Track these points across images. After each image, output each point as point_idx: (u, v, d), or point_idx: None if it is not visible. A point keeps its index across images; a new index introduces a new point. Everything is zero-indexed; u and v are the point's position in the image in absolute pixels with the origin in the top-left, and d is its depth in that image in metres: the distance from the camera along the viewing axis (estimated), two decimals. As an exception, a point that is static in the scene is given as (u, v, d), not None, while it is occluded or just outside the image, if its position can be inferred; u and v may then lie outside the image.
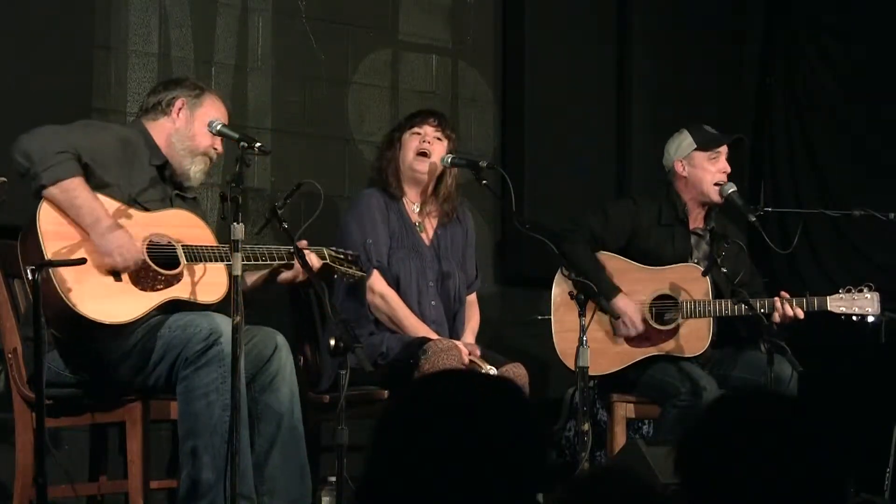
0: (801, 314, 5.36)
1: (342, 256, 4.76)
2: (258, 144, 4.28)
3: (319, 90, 6.03)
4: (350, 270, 4.75)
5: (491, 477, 2.08)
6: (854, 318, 5.46)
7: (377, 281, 5.18)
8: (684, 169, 5.59)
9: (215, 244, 4.47)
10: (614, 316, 5.38)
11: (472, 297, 5.49)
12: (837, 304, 5.45)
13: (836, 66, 7.18)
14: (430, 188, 5.37)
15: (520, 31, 6.64)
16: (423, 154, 5.29)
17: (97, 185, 4.37)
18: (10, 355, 4.51)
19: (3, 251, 4.57)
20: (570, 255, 5.31)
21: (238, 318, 3.99)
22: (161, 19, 5.59)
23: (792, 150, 7.27)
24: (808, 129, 7.23)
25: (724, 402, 2.43)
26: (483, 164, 5.12)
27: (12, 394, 4.49)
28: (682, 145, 5.62)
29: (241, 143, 4.27)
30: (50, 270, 4.17)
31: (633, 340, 5.51)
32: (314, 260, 4.59)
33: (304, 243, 4.63)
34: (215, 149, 4.63)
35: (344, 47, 6.12)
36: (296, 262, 4.50)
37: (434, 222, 5.41)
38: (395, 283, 5.25)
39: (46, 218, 4.29)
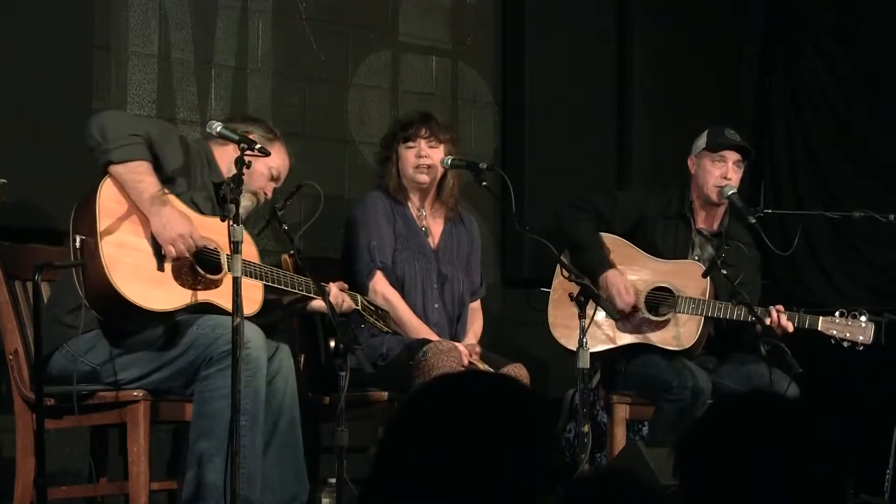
0: (790, 327, 5.33)
1: (373, 308, 4.87)
2: (258, 146, 4.29)
3: (319, 91, 6.04)
4: (378, 324, 4.86)
5: (496, 476, 2.08)
6: (845, 344, 5.38)
7: (380, 282, 5.19)
8: (693, 166, 5.64)
9: (258, 262, 4.53)
10: (614, 318, 5.38)
11: (476, 304, 5.51)
12: (829, 326, 5.39)
13: (836, 66, 7.19)
14: (434, 191, 5.39)
15: (520, 32, 6.64)
16: (421, 166, 5.30)
17: (162, 180, 4.41)
18: (10, 356, 4.51)
19: (4, 252, 4.57)
20: (566, 222, 5.40)
21: (238, 320, 4.00)
22: (161, 20, 5.59)
23: (792, 150, 7.27)
24: (808, 129, 7.23)
25: (724, 403, 2.44)
26: (483, 165, 5.12)
27: (13, 395, 4.49)
28: (697, 143, 5.66)
29: (241, 145, 4.28)
30: (97, 244, 4.23)
31: (623, 326, 5.52)
32: (348, 302, 4.68)
33: (343, 285, 4.72)
34: (266, 194, 4.69)
35: (344, 48, 6.12)
36: (338, 303, 4.58)
37: (440, 224, 5.42)
38: (399, 285, 5.25)
39: (107, 192, 4.33)
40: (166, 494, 5.18)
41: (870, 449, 5.68)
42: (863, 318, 5.36)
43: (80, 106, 5.12)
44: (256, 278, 4.47)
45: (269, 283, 4.52)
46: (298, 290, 4.59)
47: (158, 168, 4.41)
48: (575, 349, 4.82)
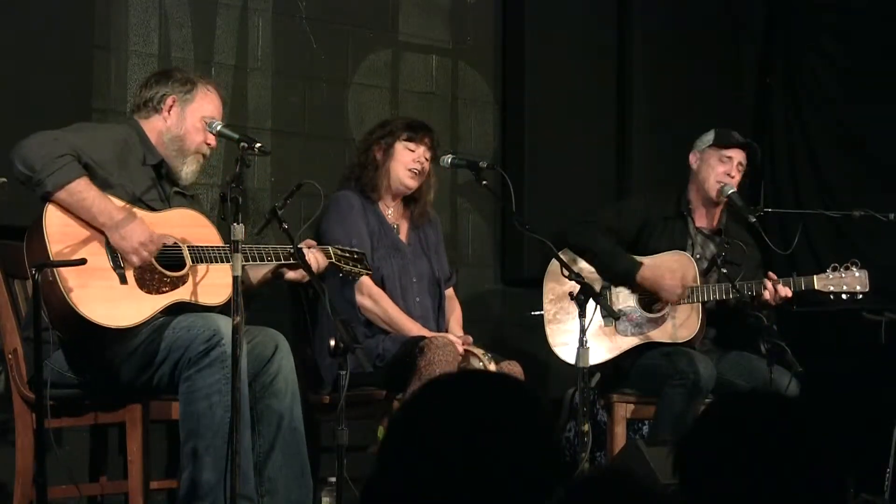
0: (788, 293, 5.38)
1: (347, 255, 4.76)
2: (258, 145, 4.25)
3: (319, 90, 6.04)
4: (356, 269, 4.76)
5: (503, 475, 2.08)
6: (844, 296, 5.45)
7: (366, 282, 5.17)
8: (696, 161, 5.65)
9: (221, 244, 4.46)
10: (615, 317, 5.40)
11: (450, 293, 5.52)
12: (825, 283, 5.45)
13: (836, 66, 7.19)
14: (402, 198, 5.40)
15: (520, 31, 6.64)
16: (414, 171, 5.30)
17: (100, 185, 4.35)
18: (10, 356, 4.50)
19: (3, 252, 4.57)
20: (579, 240, 5.41)
21: (238, 319, 3.99)
22: (161, 19, 5.59)
23: (792, 150, 7.27)
24: (808, 129, 7.23)
25: (724, 402, 2.44)
26: (483, 164, 5.12)
27: (12, 394, 4.49)
28: (703, 139, 5.69)
29: (242, 144, 4.25)
30: (55, 272, 4.17)
31: (624, 329, 5.54)
32: (321, 259, 4.59)
33: (311, 242, 4.64)
34: (208, 144, 4.59)
35: (344, 47, 6.12)
36: (312, 264, 4.51)
37: (407, 222, 5.42)
38: (379, 282, 5.25)
39: (52, 219, 4.27)
40: (166, 493, 5.18)
41: (870, 448, 5.68)
42: (854, 269, 5.43)
43: (80, 106, 5.12)
44: (223, 261, 4.39)
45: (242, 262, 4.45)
46: (268, 260, 4.55)
47: (94, 176, 4.33)
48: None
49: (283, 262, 4.54)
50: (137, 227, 4.29)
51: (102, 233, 4.30)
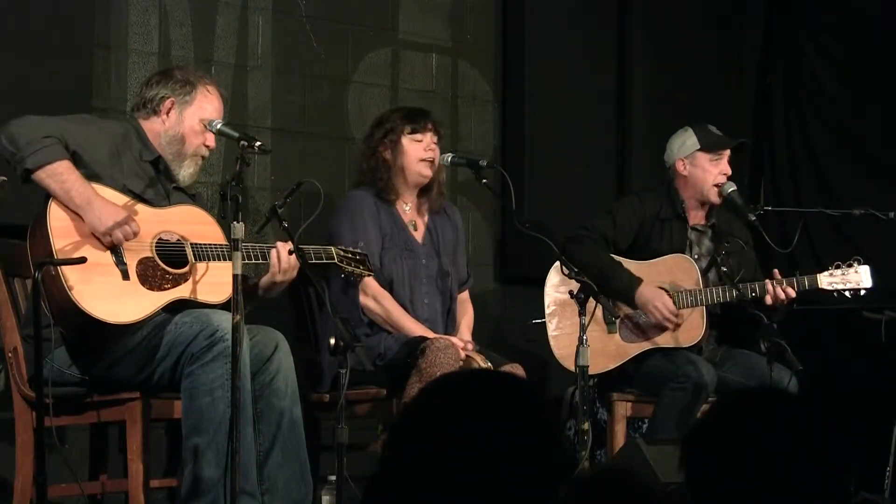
0: (792, 293, 5.38)
1: (350, 255, 4.77)
2: (258, 143, 4.25)
3: (319, 89, 6.04)
4: (357, 270, 4.76)
5: (506, 474, 2.08)
6: (848, 293, 5.45)
7: (370, 283, 5.17)
8: (685, 168, 5.61)
9: (224, 242, 4.46)
10: (614, 316, 5.39)
11: (464, 295, 5.51)
12: (828, 281, 5.45)
13: (836, 66, 7.19)
14: (420, 188, 5.39)
15: (520, 29, 6.64)
16: (427, 159, 5.30)
17: (86, 174, 4.35)
18: (10, 354, 4.50)
19: (3, 250, 4.57)
20: (577, 255, 5.36)
21: (238, 317, 3.99)
22: (161, 18, 5.59)
23: (792, 150, 7.28)
24: (808, 129, 7.24)
25: (730, 400, 2.44)
26: (483, 163, 5.13)
27: (12, 393, 4.49)
28: (685, 144, 5.63)
29: (242, 142, 4.25)
30: (58, 268, 4.17)
31: (628, 335, 5.53)
32: (284, 256, 4.53)
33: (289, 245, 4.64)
34: (207, 146, 4.60)
35: (344, 47, 6.12)
36: (273, 260, 4.49)
37: (425, 217, 5.41)
38: (388, 284, 5.24)
39: (56, 214, 4.29)
40: (166, 492, 5.18)
41: (870, 447, 5.68)
42: (856, 265, 5.44)
43: (80, 105, 5.11)
44: (225, 259, 4.40)
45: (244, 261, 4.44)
46: (267, 260, 4.53)
47: (82, 164, 4.34)
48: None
49: (257, 261, 4.53)
50: (112, 209, 4.29)
51: None
